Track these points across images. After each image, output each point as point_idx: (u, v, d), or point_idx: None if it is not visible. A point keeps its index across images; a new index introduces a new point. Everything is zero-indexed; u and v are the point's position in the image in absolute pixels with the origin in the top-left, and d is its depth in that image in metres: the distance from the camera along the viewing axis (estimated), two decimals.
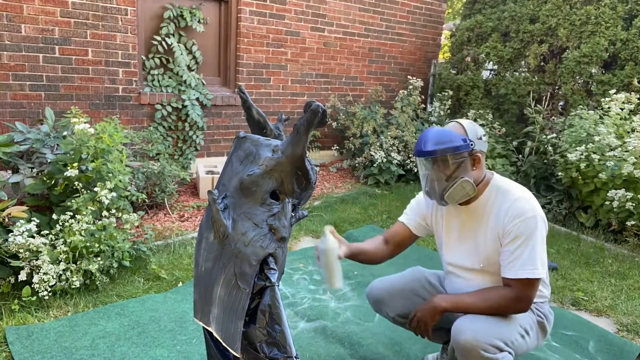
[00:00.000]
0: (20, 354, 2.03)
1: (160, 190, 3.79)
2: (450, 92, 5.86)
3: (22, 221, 2.43)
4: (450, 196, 1.69)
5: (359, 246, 1.93)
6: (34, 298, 2.40)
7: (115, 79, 4.06)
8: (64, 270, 2.45)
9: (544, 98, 5.09)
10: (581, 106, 4.54)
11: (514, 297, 1.64)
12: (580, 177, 3.90)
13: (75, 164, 2.72)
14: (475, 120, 5.31)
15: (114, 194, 2.69)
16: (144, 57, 4.28)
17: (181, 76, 4.35)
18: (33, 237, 2.45)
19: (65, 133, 3.07)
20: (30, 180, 2.78)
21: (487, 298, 1.68)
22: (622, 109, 3.99)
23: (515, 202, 1.67)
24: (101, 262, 2.55)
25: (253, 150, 1.37)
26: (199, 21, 4.46)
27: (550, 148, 4.41)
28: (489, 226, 1.71)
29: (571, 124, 4.32)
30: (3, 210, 2.46)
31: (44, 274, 2.38)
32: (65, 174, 2.67)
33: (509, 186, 1.74)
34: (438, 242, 1.94)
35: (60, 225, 2.54)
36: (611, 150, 3.74)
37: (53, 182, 2.81)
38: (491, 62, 5.73)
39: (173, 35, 4.34)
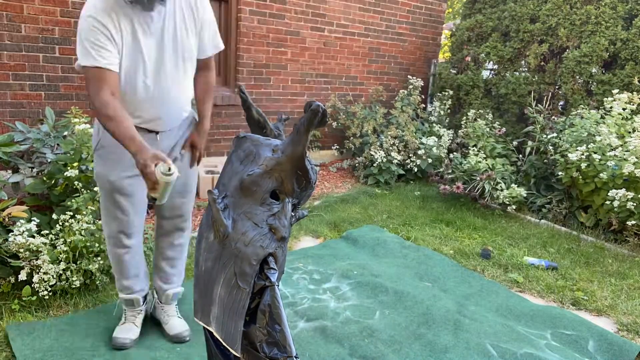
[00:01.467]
0: (21, 352, 2.03)
1: None
2: (451, 92, 5.86)
3: (22, 221, 2.43)
4: None
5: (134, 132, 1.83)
6: (34, 298, 2.40)
7: None
8: (64, 269, 2.45)
9: (544, 98, 5.09)
10: (582, 106, 4.54)
11: (213, 75, 2.11)
12: (580, 177, 3.90)
13: (76, 164, 2.72)
14: (475, 120, 5.31)
15: None
16: None
17: None
18: (33, 236, 2.45)
19: (65, 133, 3.07)
20: (30, 180, 2.78)
21: (210, 96, 2.14)
22: (624, 109, 3.99)
23: None
24: (101, 262, 2.55)
25: (253, 150, 1.37)
26: None
27: (550, 148, 4.41)
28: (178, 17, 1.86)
29: (572, 124, 4.32)
30: (3, 210, 2.46)
31: (44, 273, 2.38)
32: (65, 173, 2.67)
33: None
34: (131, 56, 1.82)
35: (60, 225, 2.54)
36: (612, 150, 3.74)
37: (53, 181, 2.81)
38: (491, 62, 5.73)
39: None
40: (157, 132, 2.02)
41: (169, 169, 1.56)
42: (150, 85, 1.88)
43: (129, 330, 2.17)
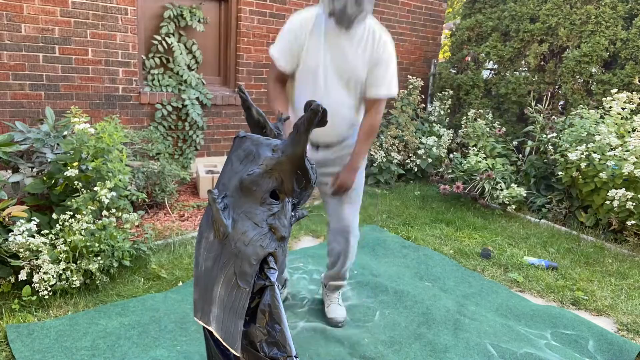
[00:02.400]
0: (20, 352, 2.03)
1: (161, 189, 3.79)
2: (450, 92, 5.86)
3: (22, 221, 2.43)
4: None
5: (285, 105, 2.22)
6: (34, 297, 2.40)
7: (115, 78, 4.06)
8: (64, 269, 2.45)
9: (544, 97, 5.08)
10: (581, 105, 4.54)
11: (379, 120, 2.15)
12: (580, 177, 3.90)
13: (75, 164, 2.72)
14: (475, 119, 5.31)
15: (114, 193, 2.69)
16: (144, 57, 4.28)
17: (181, 76, 4.35)
18: (33, 236, 2.45)
19: (65, 133, 3.07)
20: (30, 180, 2.78)
21: (369, 139, 2.16)
22: (623, 109, 3.99)
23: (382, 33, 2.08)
24: (101, 262, 2.55)
25: (253, 150, 1.37)
26: (199, 21, 4.45)
27: (550, 147, 4.41)
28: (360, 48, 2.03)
29: (572, 124, 4.32)
30: (3, 209, 2.46)
31: (44, 273, 2.38)
32: (65, 173, 2.67)
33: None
34: (313, 64, 2.07)
35: (60, 225, 2.54)
36: (612, 149, 3.74)
37: (53, 181, 2.81)
38: (491, 62, 5.73)
39: (173, 34, 4.34)
40: (317, 147, 2.22)
41: None
42: (318, 87, 2.09)
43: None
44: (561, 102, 5.21)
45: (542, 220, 4.15)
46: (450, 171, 4.71)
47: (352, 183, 2.20)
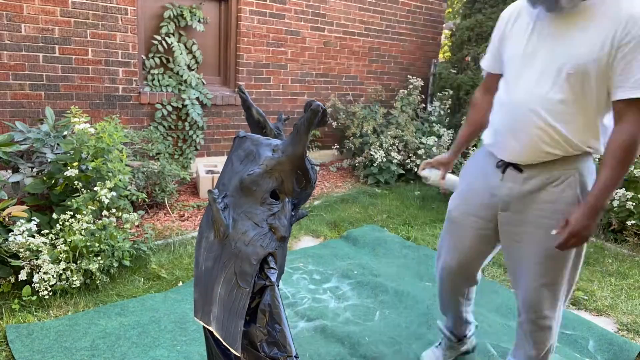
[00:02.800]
0: (20, 353, 2.03)
1: (161, 189, 3.79)
2: (451, 92, 5.86)
3: (22, 221, 2.43)
4: None
5: (460, 139, 1.96)
6: (34, 297, 2.40)
7: (115, 78, 4.06)
8: (64, 269, 2.45)
9: None
10: None
11: (636, 134, 1.38)
12: None
13: (75, 164, 2.72)
14: None
15: (114, 193, 2.69)
16: (144, 57, 4.28)
17: (181, 76, 4.35)
18: (33, 236, 2.45)
19: (65, 132, 3.07)
20: (30, 180, 2.78)
21: (615, 161, 1.40)
22: None
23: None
24: (101, 262, 2.56)
25: (253, 150, 1.37)
26: (199, 21, 4.45)
27: None
28: (598, 27, 1.40)
29: None
30: (3, 209, 2.46)
31: (44, 273, 2.38)
32: (65, 173, 2.67)
33: None
34: (506, 60, 1.62)
35: (60, 225, 2.54)
36: None
37: (53, 181, 2.81)
38: None
39: (173, 34, 4.34)
40: (506, 165, 1.61)
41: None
42: (509, 83, 1.59)
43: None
44: None
45: None
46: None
47: (589, 232, 1.47)
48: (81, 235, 2.52)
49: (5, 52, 3.56)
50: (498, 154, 1.63)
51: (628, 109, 1.40)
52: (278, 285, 1.29)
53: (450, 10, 11.16)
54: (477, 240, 1.77)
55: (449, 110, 5.89)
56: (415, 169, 5.18)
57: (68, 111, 3.17)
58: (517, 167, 1.59)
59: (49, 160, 2.84)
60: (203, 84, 4.55)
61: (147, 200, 3.66)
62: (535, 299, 1.64)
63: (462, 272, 1.88)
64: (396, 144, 5.14)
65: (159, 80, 4.34)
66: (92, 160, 2.81)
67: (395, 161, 5.02)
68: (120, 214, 2.79)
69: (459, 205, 1.81)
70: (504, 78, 1.65)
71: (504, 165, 1.62)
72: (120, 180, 2.82)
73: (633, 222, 3.52)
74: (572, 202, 1.53)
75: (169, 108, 4.31)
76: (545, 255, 1.58)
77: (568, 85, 1.45)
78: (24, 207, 2.49)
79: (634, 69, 1.36)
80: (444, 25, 6.73)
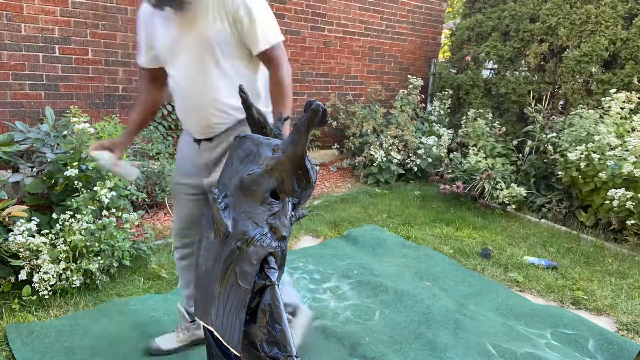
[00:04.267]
0: (20, 352, 2.03)
1: (161, 189, 3.79)
2: (450, 91, 5.86)
3: (22, 220, 2.43)
4: None
5: (133, 123, 2.01)
6: (34, 297, 2.40)
7: (115, 78, 4.06)
8: (64, 269, 2.45)
9: (544, 97, 5.08)
10: (581, 105, 4.54)
11: (283, 72, 1.72)
12: (580, 177, 3.90)
13: (75, 163, 2.72)
14: (475, 119, 5.32)
15: (113, 193, 2.69)
16: None
17: None
18: (33, 236, 2.45)
19: (65, 132, 3.07)
20: (30, 180, 2.78)
21: (280, 97, 1.72)
22: (622, 109, 3.99)
23: None
24: (101, 262, 2.56)
25: (253, 150, 1.37)
26: None
27: (550, 147, 4.41)
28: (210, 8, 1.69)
29: (571, 123, 4.32)
30: (3, 209, 2.46)
31: (44, 273, 2.38)
32: (65, 173, 2.67)
33: None
34: (160, 55, 1.85)
35: (60, 225, 2.54)
36: (611, 149, 3.74)
37: (53, 181, 2.81)
38: (491, 61, 5.73)
39: None
40: (199, 141, 1.88)
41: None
42: (174, 75, 1.82)
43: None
44: (561, 102, 5.21)
45: (542, 220, 4.15)
46: (450, 171, 4.71)
47: None
48: (81, 235, 2.51)
49: (5, 51, 3.56)
50: (191, 132, 1.89)
51: (268, 58, 1.73)
52: (278, 285, 1.29)
53: (450, 9, 11.16)
54: (191, 205, 1.97)
55: (448, 110, 5.89)
56: (415, 169, 5.18)
57: (68, 111, 3.17)
58: (208, 139, 1.84)
59: (49, 160, 2.84)
60: None
61: (147, 200, 3.66)
62: None
63: (190, 233, 2.02)
64: (396, 144, 5.14)
65: None
66: (92, 160, 2.81)
67: (395, 161, 5.02)
68: (120, 213, 2.79)
69: (175, 177, 2.01)
70: (167, 70, 1.85)
71: (197, 141, 1.88)
72: (120, 180, 2.81)
73: (633, 221, 3.52)
74: None
75: (169, 108, 4.31)
76: None
77: (212, 60, 1.71)
78: (24, 207, 2.49)
79: (255, 29, 1.68)
80: (443, 24, 6.72)
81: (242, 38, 1.71)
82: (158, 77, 1.95)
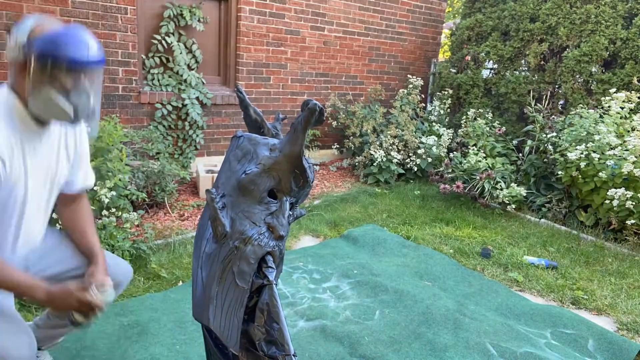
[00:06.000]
0: None
1: (160, 189, 3.79)
2: (450, 91, 5.86)
3: None
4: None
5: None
6: None
7: (115, 77, 4.07)
8: None
9: (544, 97, 5.08)
10: (581, 105, 4.54)
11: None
12: (580, 176, 3.90)
13: None
14: (475, 119, 5.32)
15: (113, 192, 2.70)
16: (143, 56, 4.28)
17: (181, 75, 4.35)
18: None
19: None
20: None
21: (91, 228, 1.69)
22: (622, 108, 3.99)
23: None
24: None
25: (251, 149, 1.37)
26: (198, 20, 4.46)
27: (550, 147, 4.41)
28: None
29: (571, 123, 4.32)
30: None
31: None
32: None
33: None
34: (15, 195, 1.45)
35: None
36: (611, 149, 3.74)
37: None
38: (491, 61, 5.73)
39: (173, 34, 4.34)
40: None
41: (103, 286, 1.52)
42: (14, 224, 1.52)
43: None
44: (561, 102, 5.21)
45: (542, 220, 4.15)
46: (450, 170, 4.71)
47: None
48: None
49: (5, 51, 3.56)
50: None
51: (79, 198, 1.73)
52: (276, 284, 1.29)
53: (450, 9, 11.15)
54: None
55: (448, 110, 5.89)
56: (415, 169, 5.18)
57: None
58: None
59: None
60: (203, 83, 4.55)
61: (147, 199, 3.67)
62: None
63: None
64: (396, 144, 5.14)
65: (158, 80, 4.34)
66: (92, 160, 2.81)
67: (395, 160, 5.02)
68: (120, 213, 2.79)
69: None
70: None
71: None
72: (120, 180, 2.82)
73: (633, 221, 3.51)
74: None
75: (169, 107, 4.31)
76: None
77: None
78: None
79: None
80: (443, 24, 6.72)
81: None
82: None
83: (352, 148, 5.33)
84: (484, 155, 4.58)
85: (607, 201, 3.64)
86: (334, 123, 5.46)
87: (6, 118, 1.37)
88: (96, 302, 1.43)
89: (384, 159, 4.96)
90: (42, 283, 1.44)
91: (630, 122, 3.92)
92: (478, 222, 4.06)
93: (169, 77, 4.39)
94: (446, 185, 4.51)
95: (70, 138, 1.60)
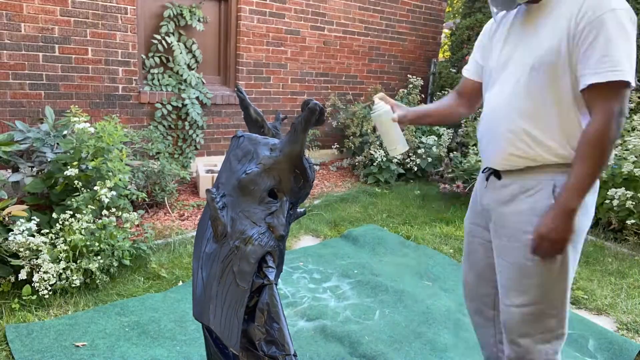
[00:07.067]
0: (20, 352, 2.03)
1: (160, 189, 3.79)
2: (450, 91, 5.86)
3: (22, 220, 2.43)
4: None
5: (423, 108, 1.74)
6: (34, 297, 2.40)
7: (115, 77, 4.06)
8: (64, 269, 2.45)
9: None
10: None
11: (607, 122, 1.28)
12: None
13: (75, 163, 2.72)
14: (475, 119, 5.31)
15: (113, 192, 2.69)
16: (143, 56, 4.28)
17: (181, 75, 4.35)
18: (33, 236, 2.45)
19: (65, 132, 3.07)
20: (30, 179, 2.79)
21: (584, 154, 1.31)
22: None
23: None
24: (101, 261, 2.56)
25: (251, 149, 1.37)
26: (198, 20, 4.45)
27: None
28: (556, 16, 1.37)
29: None
30: (3, 209, 2.46)
31: (44, 272, 2.38)
32: (65, 173, 2.67)
33: None
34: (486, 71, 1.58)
35: (60, 224, 2.54)
36: None
37: (53, 181, 2.82)
38: None
39: (173, 34, 4.34)
40: (488, 176, 1.57)
41: (373, 103, 1.60)
42: (489, 98, 1.54)
43: None
44: None
45: None
46: (450, 170, 4.71)
47: (563, 237, 1.34)
48: (81, 234, 2.52)
49: (5, 51, 3.56)
50: (483, 162, 1.61)
51: (594, 97, 1.31)
52: (276, 284, 1.29)
53: (450, 9, 11.15)
54: (485, 251, 1.66)
55: None
56: (415, 169, 5.18)
57: (68, 110, 3.17)
58: (497, 175, 1.53)
59: (48, 159, 2.84)
60: (203, 83, 4.55)
61: (147, 199, 3.67)
62: (509, 321, 1.51)
63: (481, 288, 1.71)
64: None
65: (158, 80, 4.34)
66: (92, 160, 2.81)
67: (395, 160, 5.02)
68: (120, 213, 2.79)
69: (468, 215, 1.75)
70: (484, 90, 1.62)
71: (487, 173, 1.58)
72: (120, 180, 2.82)
73: (633, 221, 3.51)
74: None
75: (169, 107, 4.31)
76: (516, 270, 1.47)
77: (534, 83, 1.38)
78: (24, 207, 2.49)
79: (593, 52, 1.28)
80: (443, 24, 6.72)
81: (576, 64, 1.33)
82: (466, 94, 1.74)
83: (352, 148, 5.33)
84: None
85: (607, 201, 3.64)
86: (334, 123, 5.46)
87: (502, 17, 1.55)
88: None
89: (384, 159, 4.96)
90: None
91: (631, 122, 3.92)
92: None
93: (169, 77, 4.39)
94: (446, 185, 4.51)
95: (569, 11, 1.35)
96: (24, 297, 2.40)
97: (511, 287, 1.49)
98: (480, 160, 4.42)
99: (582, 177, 1.31)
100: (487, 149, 1.53)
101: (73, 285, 2.47)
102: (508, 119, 1.44)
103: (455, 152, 5.07)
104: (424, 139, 5.23)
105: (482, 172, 1.62)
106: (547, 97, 1.37)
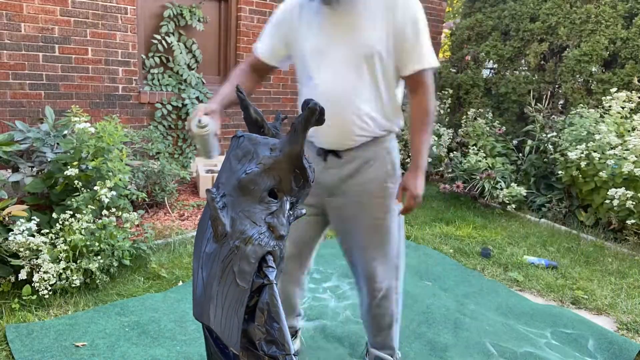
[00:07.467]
0: (20, 352, 2.03)
1: (160, 189, 3.79)
2: (450, 91, 5.86)
3: (22, 220, 2.43)
4: None
5: (227, 99, 1.77)
6: (34, 297, 2.41)
7: (115, 77, 4.06)
8: (64, 269, 2.45)
9: (544, 97, 5.08)
10: (581, 105, 4.54)
11: (432, 98, 1.66)
12: (580, 176, 3.90)
13: (75, 163, 2.72)
14: (475, 119, 5.32)
15: (113, 192, 2.69)
16: (143, 56, 4.28)
17: (181, 75, 4.35)
18: (33, 236, 2.45)
19: (65, 132, 3.07)
20: (30, 179, 2.79)
21: (424, 126, 1.67)
22: (623, 108, 3.99)
23: None
24: (101, 261, 2.56)
25: (251, 149, 1.37)
26: (198, 20, 4.45)
27: (550, 147, 4.41)
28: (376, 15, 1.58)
29: (571, 123, 4.32)
30: (3, 209, 2.46)
31: (44, 272, 2.38)
32: (65, 173, 2.67)
33: None
34: (301, 56, 1.70)
35: (60, 224, 2.54)
36: (611, 148, 3.74)
37: (53, 181, 2.82)
38: (491, 61, 5.73)
39: (173, 34, 4.34)
40: (325, 157, 1.72)
41: (199, 121, 1.59)
42: (316, 79, 1.65)
43: None
44: (561, 102, 5.21)
45: (542, 220, 4.15)
46: (450, 170, 4.71)
47: (422, 190, 1.69)
48: (81, 234, 2.52)
49: (5, 51, 3.56)
50: (317, 143, 1.73)
51: (416, 81, 1.64)
52: (277, 284, 1.29)
53: (450, 9, 11.15)
54: (307, 226, 1.84)
55: (448, 110, 5.89)
56: None
57: (68, 110, 3.17)
58: (336, 154, 1.70)
59: (49, 159, 2.84)
60: (203, 83, 4.55)
61: (147, 199, 3.67)
62: (371, 272, 1.78)
63: (297, 258, 1.92)
64: None
65: (158, 80, 4.34)
66: (92, 160, 2.81)
67: None
68: (120, 213, 2.79)
69: None
70: (302, 73, 1.72)
71: (324, 153, 1.72)
72: (120, 180, 2.82)
73: (633, 221, 3.51)
74: (383, 179, 1.72)
75: (169, 107, 4.31)
76: (369, 230, 1.74)
77: (368, 69, 1.59)
78: (24, 207, 2.49)
79: (416, 48, 1.60)
80: (443, 24, 6.72)
81: (397, 54, 1.61)
82: (262, 70, 1.85)
83: None
84: (484, 155, 4.58)
85: (607, 201, 3.64)
86: None
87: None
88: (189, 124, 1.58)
89: None
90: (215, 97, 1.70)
91: (631, 121, 3.92)
92: (478, 221, 4.06)
93: (169, 77, 4.39)
94: (446, 185, 4.51)
95: (387, 10, 1.60)
96: (24, 297, 2.40)
97: (369, 245, 1.76)
98: (480, 160, 4.42)
99: (426, 142, 1.68)
100: (331, 133, 1.66)
101: (73, 285, 2.47)
102: (353, 106, 1.62)
103: (455, 152, 5.08)
104: None
105: (317, 154, 1.75)
106: (377, 81, 1.62)
